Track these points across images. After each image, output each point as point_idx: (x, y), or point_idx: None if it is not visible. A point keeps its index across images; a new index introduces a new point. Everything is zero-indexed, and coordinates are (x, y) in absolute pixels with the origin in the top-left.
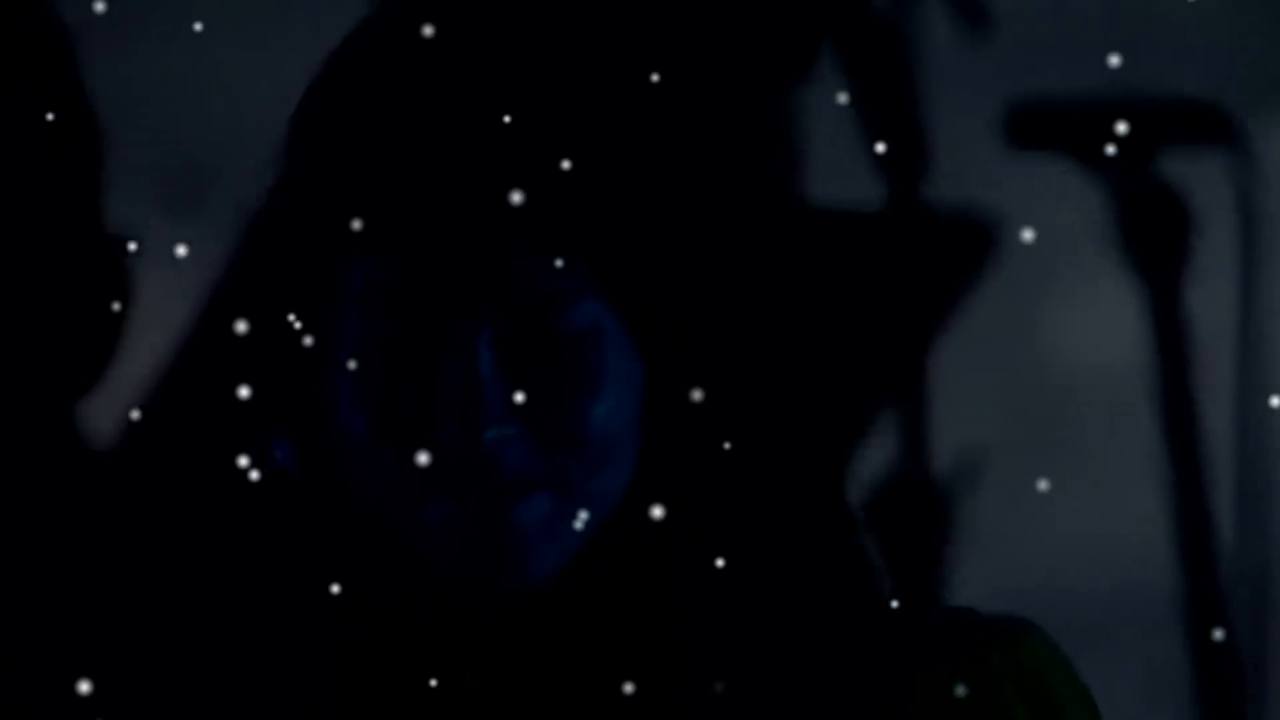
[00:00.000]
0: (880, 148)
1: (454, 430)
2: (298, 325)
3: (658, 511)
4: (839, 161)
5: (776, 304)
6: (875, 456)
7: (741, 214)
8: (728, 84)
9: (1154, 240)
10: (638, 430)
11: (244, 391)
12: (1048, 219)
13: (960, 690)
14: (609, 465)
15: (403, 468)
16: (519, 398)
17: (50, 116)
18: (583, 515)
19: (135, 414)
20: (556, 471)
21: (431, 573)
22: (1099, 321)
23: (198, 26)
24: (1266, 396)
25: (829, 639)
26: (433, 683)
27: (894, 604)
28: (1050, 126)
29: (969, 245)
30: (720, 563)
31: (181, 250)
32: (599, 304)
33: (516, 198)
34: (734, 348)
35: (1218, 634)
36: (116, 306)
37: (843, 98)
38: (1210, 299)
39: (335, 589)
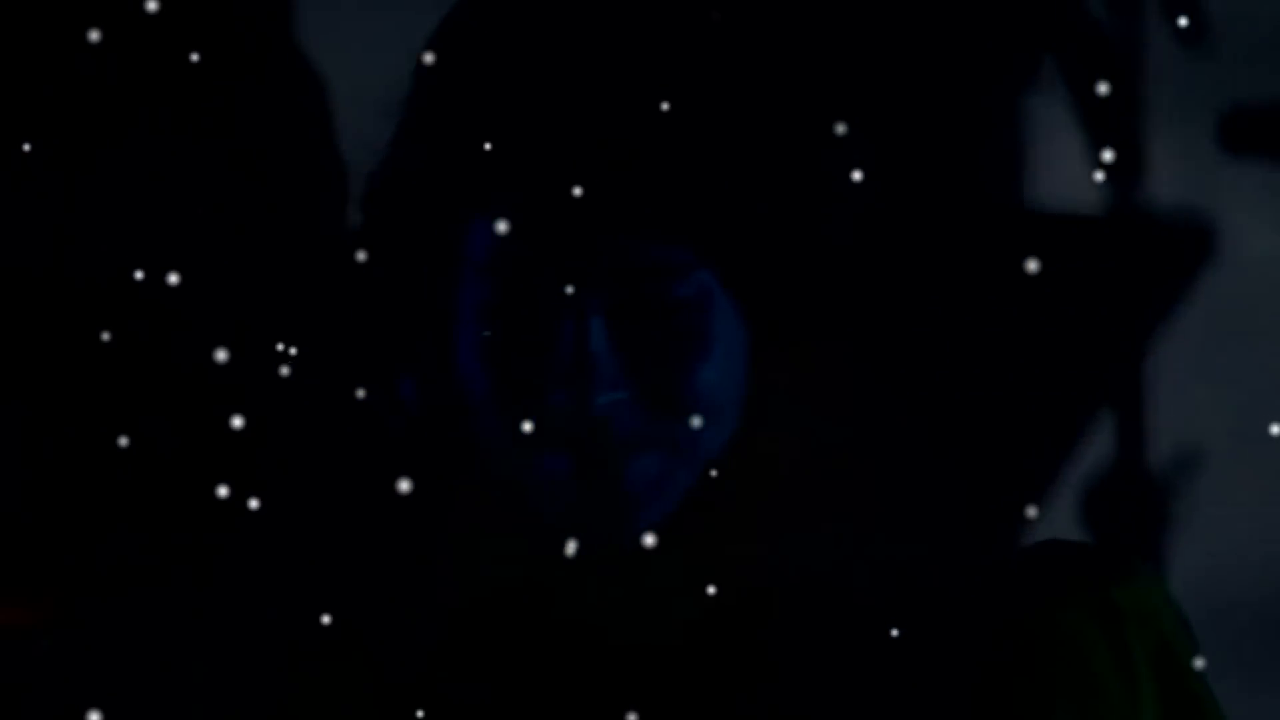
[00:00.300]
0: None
1: (567, 395)
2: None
3: (650, 540)
4: (1060, 166)
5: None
6: (1093, 457)
7: (859, 194)
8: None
9: None
10: (742, 391)
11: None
12: (1264, 224)
13: None
14: (714, 426)
15: (519, 423)
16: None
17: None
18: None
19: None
20: (665, 434)
21: (545, 522)
22: None
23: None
24: None
25: (948, 576)
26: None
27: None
28: (1267, 132)
29: (1186, 250)
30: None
31: None
32: (709, 275)
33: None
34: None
35: None
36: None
37: (840, 128)
38: None
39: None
